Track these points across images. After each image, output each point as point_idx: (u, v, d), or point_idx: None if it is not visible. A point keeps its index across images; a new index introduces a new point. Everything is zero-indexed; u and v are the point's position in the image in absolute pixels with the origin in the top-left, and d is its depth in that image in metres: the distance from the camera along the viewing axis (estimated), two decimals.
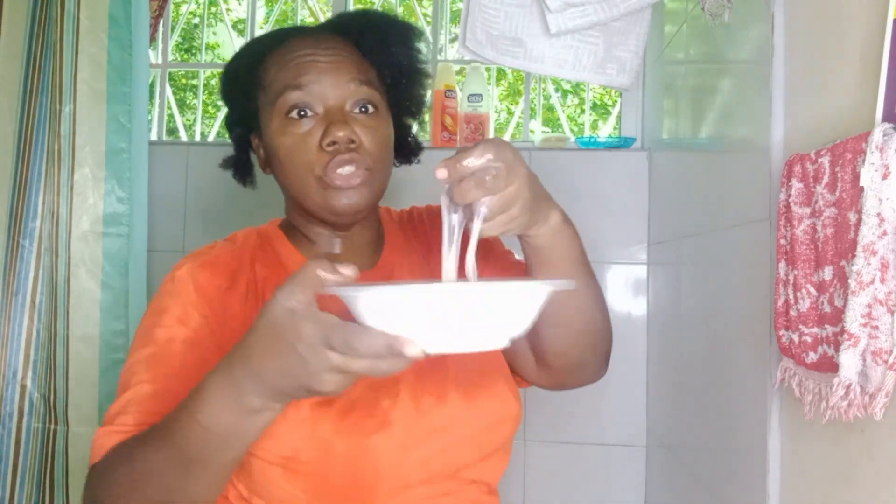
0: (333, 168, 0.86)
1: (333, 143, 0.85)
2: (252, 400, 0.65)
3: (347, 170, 0.86)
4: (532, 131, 2.13)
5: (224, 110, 1.04)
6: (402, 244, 0.99)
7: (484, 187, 0.65)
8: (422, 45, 0.99)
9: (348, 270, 0.62)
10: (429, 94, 1.91)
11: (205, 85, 2.98)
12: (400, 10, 2.26)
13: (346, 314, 0.61)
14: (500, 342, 0.61)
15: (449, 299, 0.58)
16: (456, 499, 0.88)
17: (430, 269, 0.98)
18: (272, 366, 0.62)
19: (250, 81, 0.92)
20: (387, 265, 0.96)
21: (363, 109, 0.89)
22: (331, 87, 0.87)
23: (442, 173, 0.65)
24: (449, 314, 0.57)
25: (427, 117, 2.07)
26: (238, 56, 0.97)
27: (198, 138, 2.24)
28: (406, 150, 1.03)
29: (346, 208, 0.88)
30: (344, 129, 0.85)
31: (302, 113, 0.87)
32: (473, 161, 0.65)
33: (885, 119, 0.65)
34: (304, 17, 2.61)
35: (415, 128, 1.07)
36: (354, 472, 0.81)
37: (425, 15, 2.16)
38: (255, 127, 0.94)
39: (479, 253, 0.72)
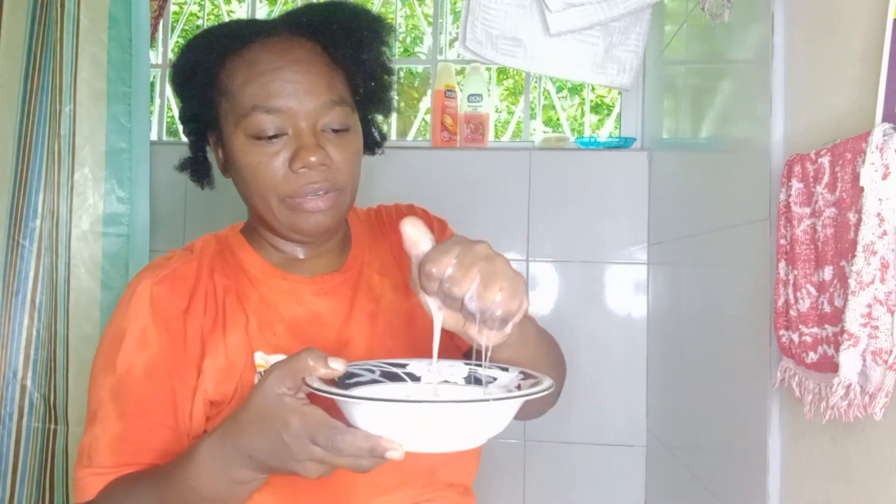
0: (303, 193, 0.83)
1: (304, 167, 0.82)
2: (240, 472, 0.70)
3: (318, 194, 0.83)
4: (533, 131, 2.14)
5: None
6: (369, 243, 0.97)
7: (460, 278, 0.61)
8: (391, 40, 0.94)
9: (338, 364, 0.64)
10: (428, 94, 1.90)
11: None
12: (401, 11, 2.26)
13: (324, 402, 0.63)
14: (479, 442, 0.64)
15: (434, 414, 0.60)
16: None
17: (400, 270, 0.95)
18: (259, 446, 0.66)
19: (209, 83, 0.87)
20: (355, 265, 0.93)
21: (334, 130, 0.85)
22: (301, 108, 0.83)
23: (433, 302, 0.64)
24: (433, 425, 0.60)
25: (427, 117, 2.07)
26: (193, 50, 0.89)
27: None
28: (370, 141, 0.98)
29: (313, 230, 0.85)
30: (316, 154, 0.82)
31: (270, 135, 0.83)
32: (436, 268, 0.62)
33: (885, 119, 0.65)
34: None
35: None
36: (328, 479, 0.79)
37: (426, 15, 2.16)
38: (213, 126, 0.89)
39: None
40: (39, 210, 1.69)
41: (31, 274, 1.69)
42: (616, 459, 1.79)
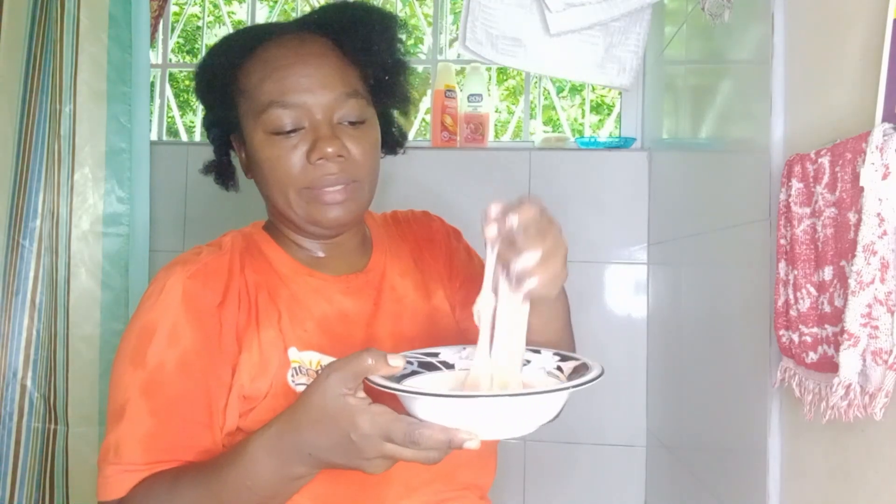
0: (321, 184, 0.84)
1: (321, 158, 0.84)
2: (298, 469, 0.71)
3: (335, 186, 0.85)
4: (532, 131, 2.14)
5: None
6: (389, 246, 0.99)
7: (529, 239, 0.66)
8: (404, 36, 0.95)
9: (397, 361, 0.66)
10: (428, 94, 1.90)
11: None
12: (401, 11, 2.26)
13: (388, 399, 0.65)
14: (532, 429, 0.66)
15: (506, 406, 0.63)
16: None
17: (420, 273, 0.97)
18: (322, 445, 0.67)
19: (229, 85, 0.89)
20: (377, 267, 0.95)
21: (350, 122, 0.87)
22: (317, 102, 0.85)
23: (491, 231, 0.67)
24: (501, 415, 0.64)
25: (427, 117, 2.07)
26: (213, 55, 0.92)
27: (198, 138, 2.24)
28: (391, 140, 1.00)
29: (331, 222, 0.87)
30: (333, 144, 0.83)
31: (287, 129, 0.85)
32: (515, 216, 0.66)
33: (885, 119, 0.65)
34: None
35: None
36: (363, 477, 0.81)
37: (426, 15, 2.16)
38: (235, 128, 0.91)
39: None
40: (39, 210, 1.69)
41: (31, 274, 1.69)
42: (616, 459, 1.79)
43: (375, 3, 2.11)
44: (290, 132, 0.85)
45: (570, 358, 0.74)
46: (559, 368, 0.73)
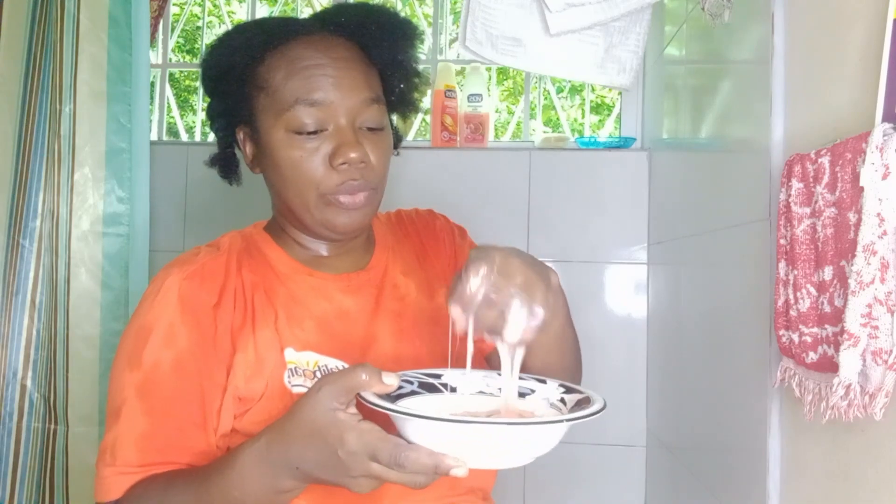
0: (343, 190, 0.84)
1: (345, 163, 0.84)
2: (286, 483, 0.70)
3: (356, 192, 0.85)
4: (532, 131, 2.13)
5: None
6: (392, 244, 0.98)
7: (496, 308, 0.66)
8: (419, 45, 0.96)
9: (391, 379, 0.64)
10: (428, 94, 1.90)
11: None
12: (401, 11, 2.26)
13: (380, 417, 0.63)
14: (527, 461, 0.65)
15: (501, 435, 0.60)
16: None
17: (424, 272, 0.97)
18: (310, 459, 0.66)
19: (247, 78, 0.88)
20: (379, 265, 0.95)
21: (370, 128, 0.87)
22: (342, 104, 0.85)
23: (460, 321, 0.67)
24: (498, 444, 0.61)
25: (427, 117, 2.07)
26: (228, 46, 0.90)
27: (198, 138, 2.24)
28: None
29: (347, 227, 0.87)
30: (357, 150, 0.83)
31: (311, 130, 0.85)
32: (473, 287, 0.67)
33: (885, 119, 0.65)
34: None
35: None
36: None
37: (426, 15, 2.16)
38: (245, 121, 0.90)
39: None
40: (39, 210, 1.69)
41: (31, 274, 1.69)
42: (616, 459, 1.79)
43: (375, 2, 2.11)
44: (312, 133, 0.84)
45: (574, 391, 0.72)
46: (562, 401, 0.71)
